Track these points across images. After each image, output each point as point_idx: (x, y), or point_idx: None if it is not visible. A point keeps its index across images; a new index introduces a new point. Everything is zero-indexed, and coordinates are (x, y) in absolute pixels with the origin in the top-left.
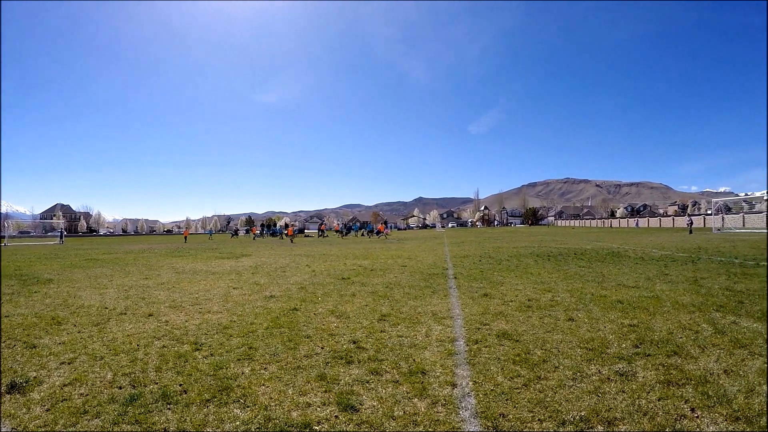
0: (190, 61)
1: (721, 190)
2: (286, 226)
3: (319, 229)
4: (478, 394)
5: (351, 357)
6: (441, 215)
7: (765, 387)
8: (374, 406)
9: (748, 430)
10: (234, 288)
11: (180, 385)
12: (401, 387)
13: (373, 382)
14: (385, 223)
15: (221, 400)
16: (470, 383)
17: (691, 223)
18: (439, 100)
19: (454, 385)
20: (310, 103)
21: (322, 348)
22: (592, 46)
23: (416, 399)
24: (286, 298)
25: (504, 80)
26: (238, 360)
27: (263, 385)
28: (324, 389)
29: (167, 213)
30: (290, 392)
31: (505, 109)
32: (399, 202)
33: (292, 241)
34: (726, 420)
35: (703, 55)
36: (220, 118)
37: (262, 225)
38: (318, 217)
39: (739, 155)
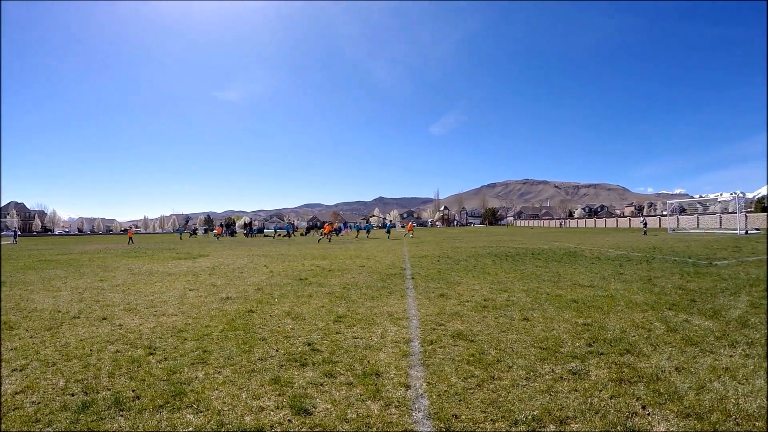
0: (150, 56)
1: (677, 192)
2: (293, 225)
3: (316, 227)
4: (431, 395)
5: (305, 359)
6: (401, 215)
7: (722, 384)
8: (327, 409)
9: (698, 426)
10: (190, 290)
11: (133, 390)
12: (355, 389)
13: (327, 384)
14: (345, 223)
15: (174, 405)
16: (424, 384)
17: (646, 224)
18: (401, 101)
19: (407, 387)
20: (271, 101)
21: (276, 351)
22: (553, 51)
23: (370, 401)
24: (242, 299)
25: (466, 82)
26: (192, 364)
27: (216, 389)
28: (278, 393)
29: (125, 212)
30: (244, 396)
31: (466, 111)
32: (359, 201)
33: (330, 240)
34: (677, 417)
35: (661, 63)
36: (180, 115)
37: (221, 224)
38: (278, 216)
39: (694, 159)
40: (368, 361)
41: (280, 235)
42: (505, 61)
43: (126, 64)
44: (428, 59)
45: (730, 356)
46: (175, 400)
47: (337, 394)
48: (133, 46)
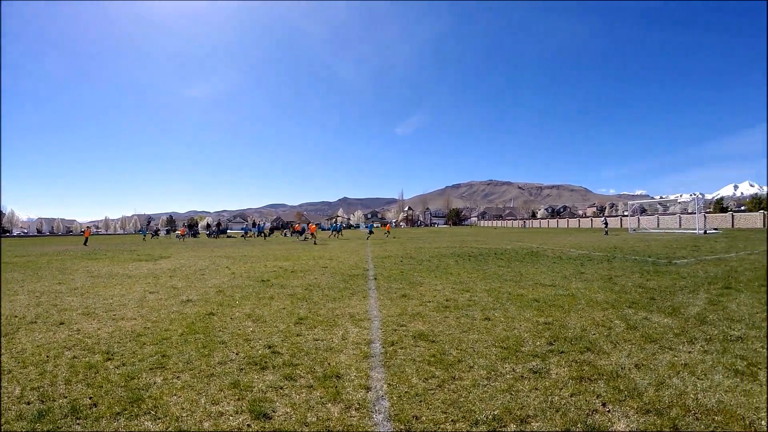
0: (114, 52)
1: (638, 193)
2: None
3: (294, 229)
4: (392, 397)
5: (266, 362)
6: (365, 215)
7: (696, 379)
8: (287, 412)
9: (658, 422)
10: (150, 292)
11: (90, 398)
12: (315, 392)
13: (287, 388)
14: (308, 224)
15: (132, 412)
16: (385, 386)
17: (607, 224)
18: (366, 101)
19: (368, 389)
20: (236, 99)
21: (236, 354)
22: (517, 52)
23: (330, 404)
24: (203, 302)
25: (431, 83)
26: (151, 369)
27: (175, 395)
28: (237, 397)
29: (85, 212)
30: (203, 401)
31: (431, 112)
32: (324, 202)
33: (315, 242)
34: (637, 413)
35: (624, 67)
36: (143, 111)
37: (184, 224)
38: (241, 217)
39: (655, 161)
40: (329, 363)
41: (252, 235)
42: (470, 63)
43: (88, 60)
44: (394, 59)
45: (689, 352)
46: (132, 406)
47: (297, 397)
48: (95, 43)
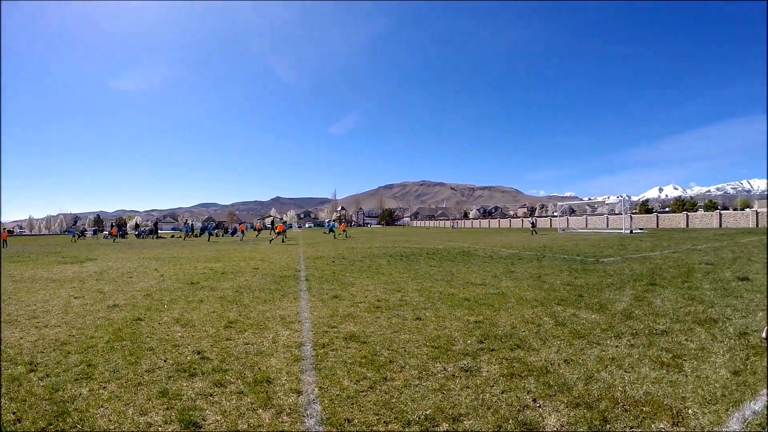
0: (37, 38)
1: (567, 194)
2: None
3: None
4: (323, 400)
5: (195, 369)
6: (298, 215)
7: (649, 374)
8: (218, 420)
9: (588, 415)
10: (75, 297)
11: (13, 413)
12: (246, 398)
13: (217, 394)
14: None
15: (57, 427)
16: (316, 389)
17: (534, 224)
18: (302, 100)
19: (299, 393)
20: (168, 93)
21: (165, 361)
22: (453, 56)
23: (261, 410)
24: (130, 306)
25: (367, 84)
26: (76, 380)
27: (102, 406)
28: (166, 406)
29: (7, 212)
30: (130, 412)
31: (366, 112)
32: (256, 201)
33: (283, 240)
34: (567, 407)
35: (555, 72)
36: (69, 103)
37: (113, 224)
38: (171, 216)
39: (583, 165)
40: (259, 368)
41: (196, 235)
42: (406, 65)
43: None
44: (332, 59)
45: (616, 347)
46: (58, 420)
47: (228, 404)
48: (17, 30)
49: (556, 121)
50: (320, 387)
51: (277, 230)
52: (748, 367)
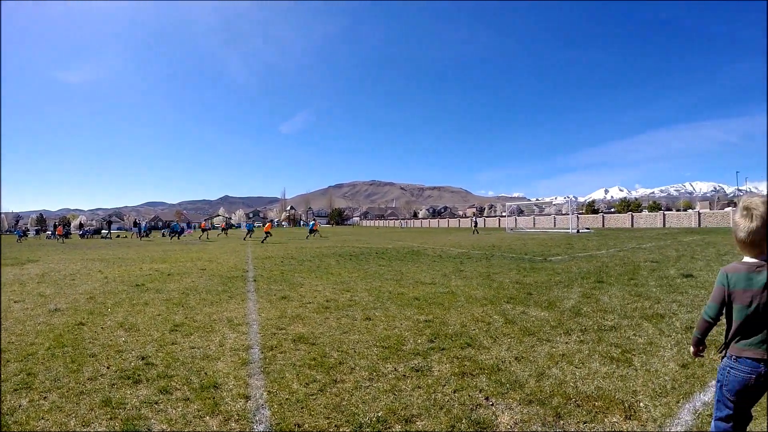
0: None
1: (515, 195)
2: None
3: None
4: (272, 405)
5: (139, 375)
6: (247, 214)
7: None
8: (163, 429)
9: (541, 411)
10: (15, 301)
11: None
12: (192, 405)
13: (162, 402)
14: (189, 223)
15: None
16: (265, 394)
17: (476, 224)
18: (252, 97)
19: (247, 398)
20: (115, 87)
21: (108, 368)
22: (405, 57)
23: (208, 417)
24: (72, 310)
25: (319, 83)
26: (15, 390)
27: (42, 418)
28: (109, 416)
29: None
30: (72, 423)
31: (317, 111)
32: (204, 200)
33: (264, 240)
34: (520, 404)
35: (506, 76)
36: (9, 95)
37: (56, 224)
38: (117, 215)
39: (531, 167)
40: (206, 373)
41: (146, 234)
42: (358, 65)
43: None
44: (284, 57)
45: (566, 343)
46: None
47: (174, 411)
48: None
49: (505, 124)
50: (269, 391)
51: (265, 229)
52: (695, 360)
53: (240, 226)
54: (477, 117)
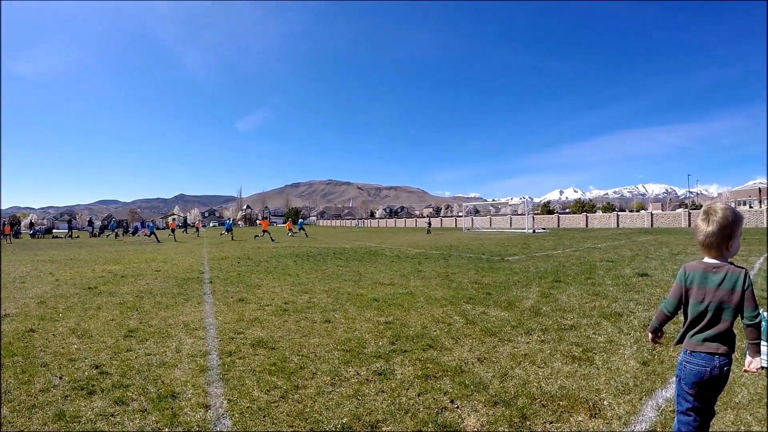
0: None
1: (472, 195)
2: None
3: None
4: (233, 414)
5: (93, 386)
6: (203, 213)
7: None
8: None
9: (507, 413)
10: None
11: None
12: (150, 417)
13: (118, 414)
14: (142, 222)
15: None
16: (224, 402)
17: (430, 224)
18: (209, 93)
19: (207, 407)
20: (69, 79)
21: (60, 378)
22: (364, 58)
23: (167, 429)
24: (22, 316)
25: (278, 81)
26: None
27: None
28: (64, 430)
29: None
30: None
31: (275, 109)
32: (159, 198)
33: (272, 239)
34: (485, 406)
35: (462, 79)
36: None
37: (5, 223)
38: (69, 214)
39: (487, 168)
40: (163, 381)
41: (95, 234)
42: (317, 64)
43: None
44: (243, 52)
45: (528, 343)
46: None
47: (130, 424)
48: None
49: (462, 125)
50: (229, 399)
51: (263, 228)
52: (655, 357)
53: (192, 225)
54: (434, 117)
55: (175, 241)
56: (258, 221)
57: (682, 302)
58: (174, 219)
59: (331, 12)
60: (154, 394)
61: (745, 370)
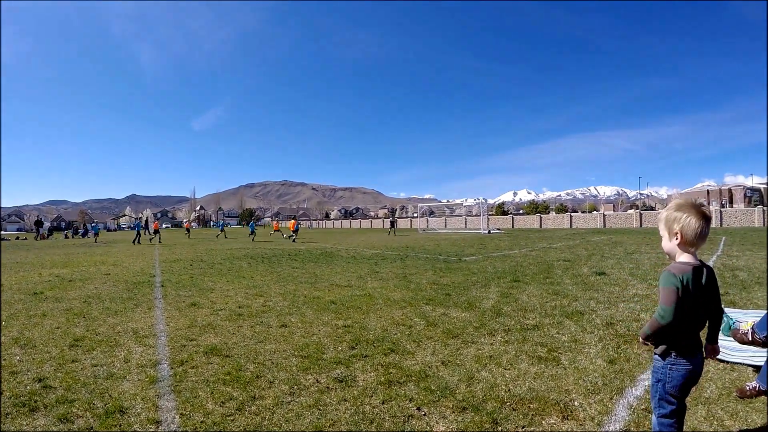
0: None
1: (426, 196)
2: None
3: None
4: (186, 430)
5: (36, 401)
6: (155, 214)
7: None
8: None
9: (477, 418)
10: None
11: None
12: None
13: None
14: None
15: None
16: (176, 417)
17: (393, 224)
18: (163, 90)
19: (158, 423)
20: (17, 74)
21: (1, 393)
22: (319, 58)
23: None
24: None
25: (233, 79)
26: None
27: None
28: None
29: None
30: None
31: (230, 108)
32: (110, 199)
33: (294, 240)
34: (454, 412)
35: (417, 80)
36: None
37: None
38: (17, 215)
39: (442, 169)
40: (110, 395)
41: (43, 237)
42: (273, 64)
43: None
44: (199, 49)
45: (491, 344)
46: None
47: None
48: None
49: (418, 127)
50: (181, 413)
51: (290, 228)
52: (621, 355)
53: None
54: (389, 118)
55: (159, 242)
56: (274, 223)
57: (680, 309)
58: (155, 220)
59: (286, 11)
60: (101, 409)
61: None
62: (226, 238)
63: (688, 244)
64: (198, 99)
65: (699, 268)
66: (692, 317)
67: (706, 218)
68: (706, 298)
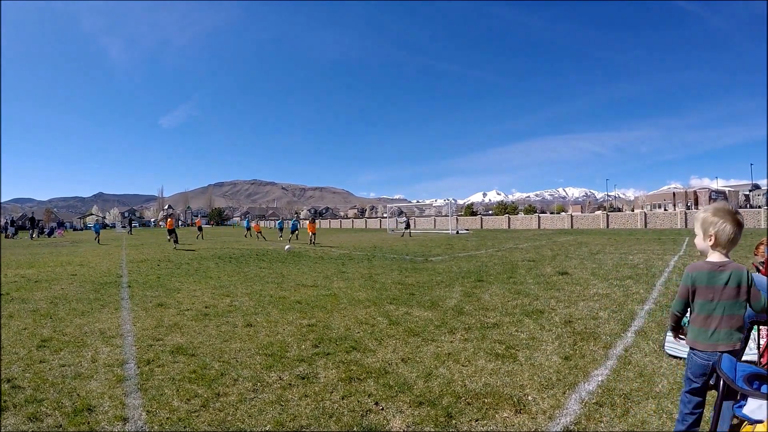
0: None
1: (396, 197)
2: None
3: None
4: (152, 426)
5: (5, 401)
6: (122, 213)
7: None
8: None
9: (432, 413)
10: None
11: None
12: None
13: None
14: (60, 222)
15: None
16: (143, 414)
17: (407, 225)
18: (132, 86)
19: (125, 420)
20: None
21: None
22: (291, 58)
23: None
24: None
25: (203, 76)
26: None
27: None
28: None
29: None
30: None
31: (199, 105)
32: (76, 197)
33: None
34: (410, 407)
35: (385, 83)
36: None
37: None
38: None
39: (412, 169)
40: (78, 394)
41: (7, 236)
42: (245, 61)
43: None
44: (168, 45)
45: (451, 342)
46: None
47: None
48: None
49: (387, 127)
50: (148, 410)
51: (309, 231)
52: (577, 351)
53: (114, 226)
54: (358, 118)
55: (177, 242)
56: (309, 224)
57: (689, 302)
58: (171, 216)
59: (258, 8)
60: (69, 408)
61: None
62: (297, 239)
63: (719, 246)
64: (167, 96)
65: (722, 267)
66: (706, 312)
67: (739, 225)
68: (728, 296)
